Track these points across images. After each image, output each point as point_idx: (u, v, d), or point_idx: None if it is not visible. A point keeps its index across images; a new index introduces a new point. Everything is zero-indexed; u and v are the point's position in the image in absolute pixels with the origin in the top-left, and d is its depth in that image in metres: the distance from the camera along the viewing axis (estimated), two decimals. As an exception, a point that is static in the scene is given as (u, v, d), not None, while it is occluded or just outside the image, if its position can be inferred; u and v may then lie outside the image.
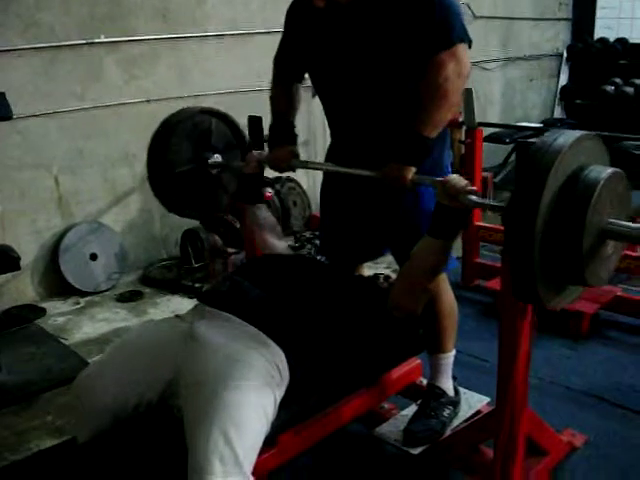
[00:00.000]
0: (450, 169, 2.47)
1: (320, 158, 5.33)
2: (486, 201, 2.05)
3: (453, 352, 2.58)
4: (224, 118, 2.73)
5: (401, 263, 2.46)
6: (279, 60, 2.54)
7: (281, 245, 2.49)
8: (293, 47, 2.45)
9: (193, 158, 2.61)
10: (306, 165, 2.55)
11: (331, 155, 2.57)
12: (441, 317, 2.50)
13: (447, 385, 2.58)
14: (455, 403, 2.59)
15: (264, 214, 2.54)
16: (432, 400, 2.55)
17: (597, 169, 1.61)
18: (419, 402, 2.59)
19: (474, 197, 1.91)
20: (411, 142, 2.14)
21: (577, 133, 1.63)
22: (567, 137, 1.60)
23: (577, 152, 1.61)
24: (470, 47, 2.19)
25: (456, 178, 1.93)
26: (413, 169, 2.15)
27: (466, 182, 1.92)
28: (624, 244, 1.78)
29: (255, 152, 2.55)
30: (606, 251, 1.67)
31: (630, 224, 1.64)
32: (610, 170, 1.61)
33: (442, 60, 2.10)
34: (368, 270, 2.80)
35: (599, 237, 1.62)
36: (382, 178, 2.18)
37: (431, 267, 2.06)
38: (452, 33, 2.11)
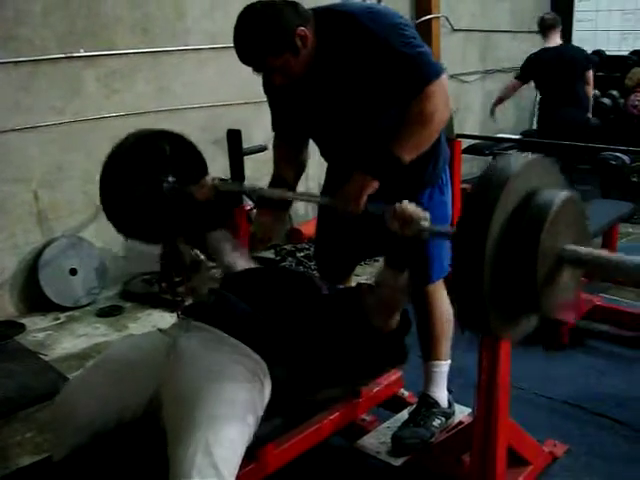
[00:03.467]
0: (448, 181, 2.51)
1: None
2: (436, 227, 1.99)
3: (447, 361, 2.58)
4: (180, 139, 2.61)
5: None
6: (275, 126, 2.51)
7: (247, 265, 2.42)
8: (281, 111, 2.45)
9: (147, 182, 2.49)
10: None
11: (329, 174, 2.60)
12: (434, 323, 2.51)
13: (440, 395, 2.58)
14: (447, 414, 2.59)
15: (226, 238, 2.47)
16: (423, 409, 2.55)
17: (550, 192, 1.53)
18: (410, 410, 2.60)
19: (425, 223, 1.86)
20: (382, 157, 2.14)
21: (529, 156, 1.57)
22: (518, 160, 1.54)
23: (529, 176, 1.54)
24: None
25: (408, 205, 1.88)
26: (375, 184, 2.15)
27: (418, 209, 1.88)
28: (581, 273, 1.68)
29: (208, 177, 2.44)
30: (562, 279, 1.56)
31: (587, 249, 1.55)
32: (564, 193, 1.54)
33: (432, 91, 2.11)
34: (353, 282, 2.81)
35: (554, 263, 1.52)
36: (339, 196, 2.19)
37: (394, 297, 2.05)
38: (432, 68, 2.14)
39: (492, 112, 6.14)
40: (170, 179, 2.50)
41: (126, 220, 2.51)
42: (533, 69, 5.81)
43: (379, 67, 2.12)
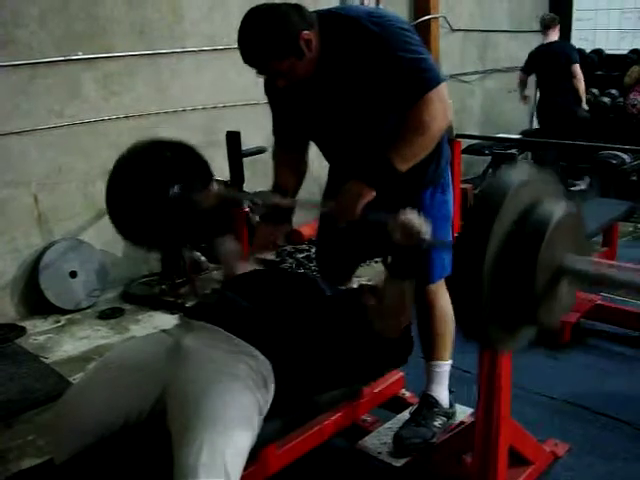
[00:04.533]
0: (450, 180, 2.52)
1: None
2: (437, 240, 2.04)
3: (449, 362, 2.58)
4: (186, 148, 2.61)
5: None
6: (276, 130, 2.51)
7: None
8: (283, 115, 2.45)
9: (153, 191, 2.43)
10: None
11: (331, 175, 2.61)
12: (436, 323, 2.51)
13: (442, 395, 2.58)
14: (449, 414, 2.59)
15: (230, 246, 2.47)
16: (425, 409, 2.55)
17: (549, 205, 1.52)
18: (411, 410, 2.59)
19: (427, 235, 1.88)
20: (378, 166, 2.15)
21: (529, 169, 1.57)
22: (519, 173, 1.54)
23: (528, 188, 1.52)
24: None
25: (410, 215, 1.91)
26: (371, 192, 2.16)
27: (420, 220, 1.91)
28: (579, 285, 1.67)
29: (214, 185, 2.46)
30: (561, 290, 1.55)
31: (586, 262, 1.55)
32: (563, 206, 1.53)
33: (431, 99, 2.12)
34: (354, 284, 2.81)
35: (553, 276, 1.52)
36: (336, 203, 2.21)
37: (399, 305, 2.06)
38: (432, 75, 2.14)
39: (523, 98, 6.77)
40: (176, 187, 2.48)
41: (132, 227, 2.51)
42: (531, 63, 6.50)
43: (381, 71, 2.12)
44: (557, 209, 1.51)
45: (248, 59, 2.11)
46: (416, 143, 2.15)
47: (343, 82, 2.19)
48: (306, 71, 2.14)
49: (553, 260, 1.50)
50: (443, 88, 2.15)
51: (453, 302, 1.56)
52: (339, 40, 2.15)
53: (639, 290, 1.49)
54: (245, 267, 2.38)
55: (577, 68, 6.15)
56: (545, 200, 1.53)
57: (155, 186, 2.44)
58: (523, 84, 6.66)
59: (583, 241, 1.62)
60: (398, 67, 2.11)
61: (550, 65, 6.24)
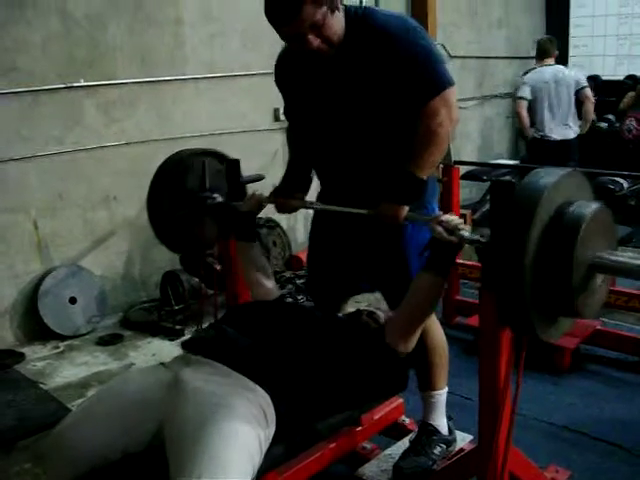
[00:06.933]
0: (435, 205, 2.51)
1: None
2: (476, 236, 2.06)
3: (445, 389, 2.57)
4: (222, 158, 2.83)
5: (389, 300, 2.49)
6: (287, 115, 2.59)
7: (270, 285, 2.49)
8: (292, 102, 2.49)
9: (192, 199, 2.68)
10: (305, 205, 2.55)
11: (321, 201, 2.58)
12: (430, 354, 2.50)
13: (440, 423, 2.56)
14: (449, 442, 2.57)
15: (257, 253, 2.55)
16: (424, 437, 2.53)
17: (583, 204, 1.66)
18: (411, 438, 2.58)
19: (466, 233, 1.97)
20: (405, 183, 2.20)
21: (562, 170, 1.69)
22: (553, 174, 1.66)
23: (563, 188, 1.67)
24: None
25: (450, 216, 2.00)
26: (406, 208, 2.20)
27: (460, 220, 1.98)
28: (611, 278, 1.83)
29: (256, 192, 2.56)
30: (595, 283, 1.71)
31: (617, 257, 1.69)
32: (595, 205, 1.67)
33: (435, 107, 2.16)
34: (351, 307, 2.79)
35: (588, 270, 1.66)
36: (377, 216, 2.24)
37: (428, 303, 2.10)
38: (439, 79, 2.18)
39: None
40: (215, 195, 2.69)
41: (173, 236, 2.74)
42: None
43: (395, 67, 2.15)
44: (589, 208, 1.65)
45: (279, 8, 2.03)
46: (431, 151, 2.20)
47: (355, 77, 2.21)
48: (333, 40, 2.12)
49: (586, 256, 1.65)
50: (449, 93, 2.19)
51: (497, 293, 1.69)
52: (358, 34, 2.18)
53: None
54: (265, 280, 2.49)
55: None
56: (576, 199, 1.68)
57: (194, 194, 2.70)
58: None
59: (612, 236, 1.76)
60: (412, 63, 2.14)
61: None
